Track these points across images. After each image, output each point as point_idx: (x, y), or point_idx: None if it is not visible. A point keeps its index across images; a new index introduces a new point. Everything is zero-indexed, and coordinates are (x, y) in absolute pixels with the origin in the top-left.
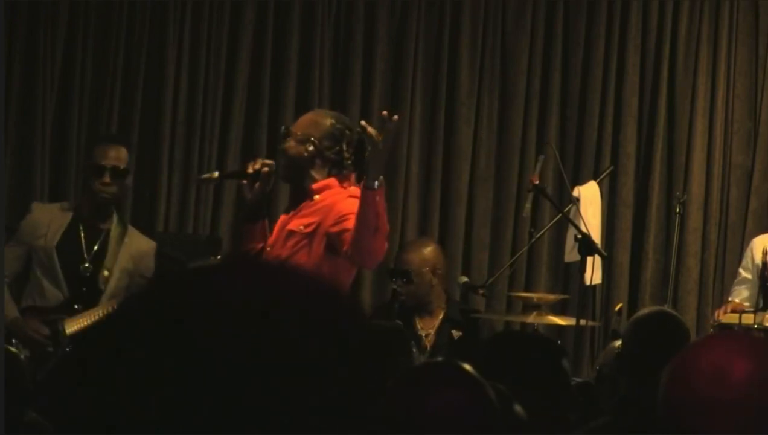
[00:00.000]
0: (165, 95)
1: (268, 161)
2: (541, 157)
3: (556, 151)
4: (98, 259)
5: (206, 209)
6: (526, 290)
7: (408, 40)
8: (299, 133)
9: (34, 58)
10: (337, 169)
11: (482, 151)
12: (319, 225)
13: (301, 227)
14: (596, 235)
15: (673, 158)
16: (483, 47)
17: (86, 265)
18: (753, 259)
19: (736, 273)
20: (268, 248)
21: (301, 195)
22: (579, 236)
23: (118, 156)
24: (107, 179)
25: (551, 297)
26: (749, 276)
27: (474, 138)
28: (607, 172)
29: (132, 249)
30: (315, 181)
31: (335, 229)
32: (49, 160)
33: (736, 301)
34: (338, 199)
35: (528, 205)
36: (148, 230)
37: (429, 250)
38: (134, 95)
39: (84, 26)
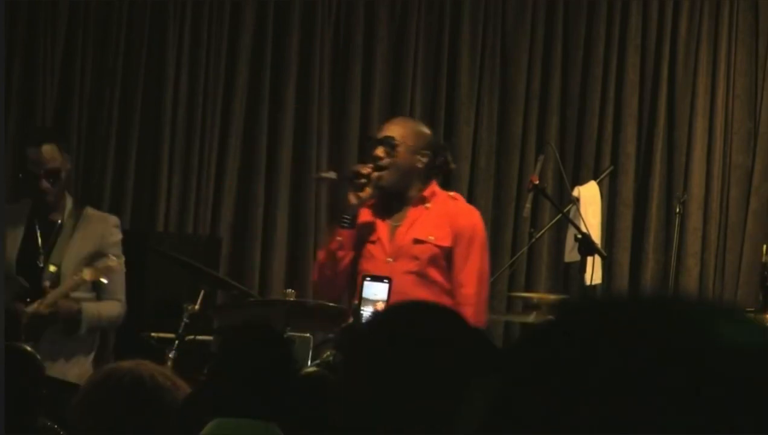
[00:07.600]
0: (165, 95)
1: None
2: (541, 157)
3: (556, 151)
4: (48, 254)
5: (206, 209)
6: (526, 290)
7: (408, 40)
8: (411, 144)
9: (34, 59)
10: (434, 176)
11: (482, 151)
12: (455, 240)
13: (431, 238)
14: (596, 235)
15: (673, 158)
16: (483, 47)
17: (40, 260)
18: None
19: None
20: (389, 259)
21: (398, 203)
22: (579, 236)
23: (51, 156)
24: (44, 185)
25: (551, 297)
26: None
27: (474, 138)
28: (607, 172)
29: (88, 234)
30: (421, 189)
31: (458, 275)
32: None
33: None
34: (460, 214)
35: (528, 205)
36: (147, 230)
37: None
38: (134, 95)
39: (84, 27)
